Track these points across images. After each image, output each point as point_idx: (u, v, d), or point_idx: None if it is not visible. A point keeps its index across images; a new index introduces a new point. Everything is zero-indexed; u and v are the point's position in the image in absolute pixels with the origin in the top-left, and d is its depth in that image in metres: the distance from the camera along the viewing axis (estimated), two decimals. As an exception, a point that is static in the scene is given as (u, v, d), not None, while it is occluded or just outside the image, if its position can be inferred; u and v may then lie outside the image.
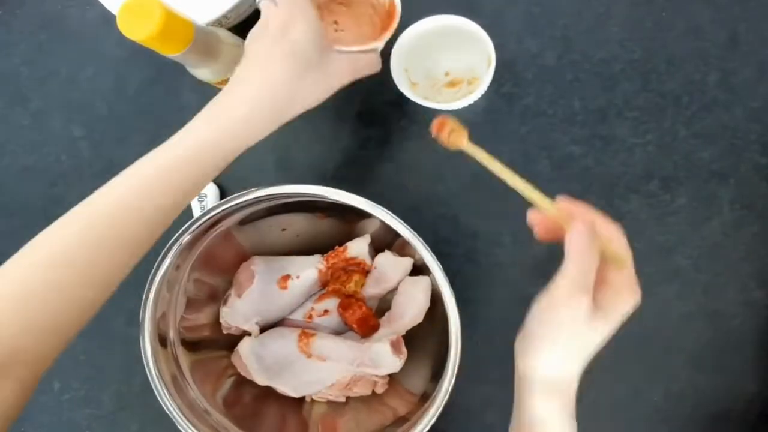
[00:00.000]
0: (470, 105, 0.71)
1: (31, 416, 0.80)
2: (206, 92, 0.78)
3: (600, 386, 0.69)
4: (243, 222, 0.69)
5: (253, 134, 0.55)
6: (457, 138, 0.58)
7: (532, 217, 0.53)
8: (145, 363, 0.63)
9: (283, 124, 0.56)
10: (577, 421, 0.68)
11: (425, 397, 0.66)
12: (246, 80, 0.55)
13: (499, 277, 0.71)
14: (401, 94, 0.69)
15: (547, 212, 0.52)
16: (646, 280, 0.68)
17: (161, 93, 0.80)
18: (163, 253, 0.63)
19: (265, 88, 0.54)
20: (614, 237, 0.51)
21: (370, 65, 0.62)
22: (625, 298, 0.50)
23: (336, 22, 0.73)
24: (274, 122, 0.56)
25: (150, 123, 0.80)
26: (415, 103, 0.70)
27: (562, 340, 0.49)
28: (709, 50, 0.68)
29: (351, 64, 0.59)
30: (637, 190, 0.69)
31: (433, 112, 0.72)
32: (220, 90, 0.71)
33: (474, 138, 0.72)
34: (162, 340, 0.66)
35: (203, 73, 0.66)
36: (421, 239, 0.61)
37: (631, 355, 0.68)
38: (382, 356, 0.67)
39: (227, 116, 0.54)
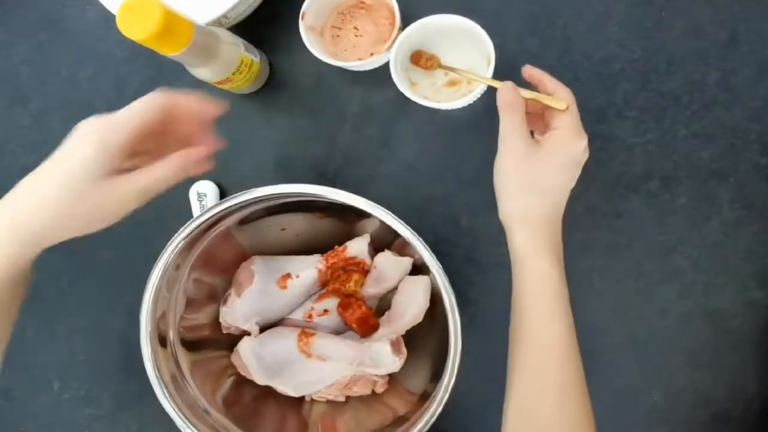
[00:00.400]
0: (470, 104, 0.71)
1: (31, 415, 0.80)
2: (206, 92, 0.78)
3: (600, 385, 0.68)
4: (243, 222, 0.69)
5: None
6: (432, 63, 0.71)
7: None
8: (144, 363, 0.63)
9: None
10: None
11: (425, 397, 0.66)
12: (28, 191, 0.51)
13: (498, 277, 0.70)
14: (401, 94, 0.69)
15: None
16: (646, 280, 0.69)
17: (161, 93, 0.80)
18: (162, 253, 0.63)
19: (20, 224, 0.50)
20: (557, 88, 0.58)
21: (167, 180, 0.53)
22: (566, 137, 0.56)
23: (356, 28, 0.74)
24: (23, 251, 0.51)
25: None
26: (415, 103, 0.70)
27: (512, 181, 0.57)
28: (709, 50, 0.68)
29: (139, 189, 0.52)
30: (637, 190, 0.68)
31: (434, 111, 0.73)
32: (219, 90, 0.71)
33: (474, 138, 0.73)
34: (162, 340, 0.66)
35: (203, 72, 0.66)
36: (420, 239, 0.61)
37: (631, 354, 0.68)
38: (382, 356, 0.67)
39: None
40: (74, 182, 0.49)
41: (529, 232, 0.56)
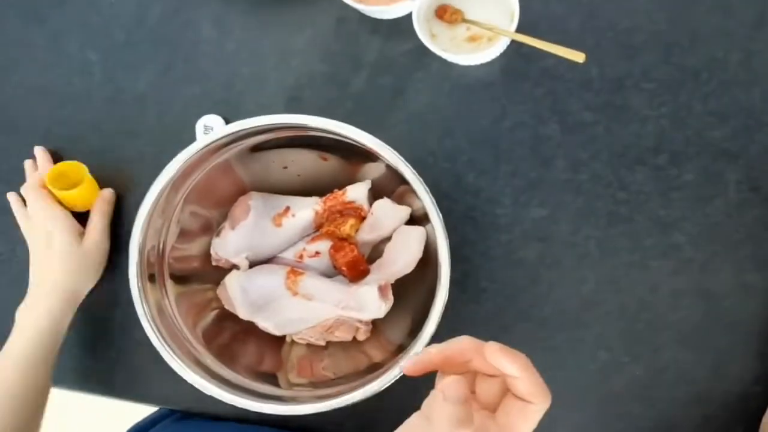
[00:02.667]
0: (488, 63, 0.70)
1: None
2: (225, 28, 0.78)
3: (584, 355, 0.68)
4: (246, 153, 0.68)
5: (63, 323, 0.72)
6: (456, 16, 0.70)
7: None
8: (131, 289, 0.64)
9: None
10: (558, 387, 0.68)
11: (401, 349, 0.65)
12: (42, 286, 0.73)
13: (494, 237, 0.70)
14: (420, 46, 0.68)
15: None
16: (643, 253, 0.68)
17: (180, 25, 0.80)
18: (160, 174, 0.63)
19: (58, 290, 0.72)
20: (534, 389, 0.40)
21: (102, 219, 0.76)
22: None
23: None
24: (71, 307, 0.73)
25: (165, 54, 0.80)
26: (432, 56, 0.69)
27: None
28: (736, 29, 0.68)
29: (93, 236, 0.75)
30: (645, 162, 0.68)
31: (450, 66, 0.72)
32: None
33: (488, 96, 0.73)
34: (150, 273, 0.66)
35: None
36: (423, 183, 0.60)
37: (619, 327, 0.68)
38: (368, 300, 0.66)
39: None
40: (67, 251, 0.73)
41: None
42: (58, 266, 0.72)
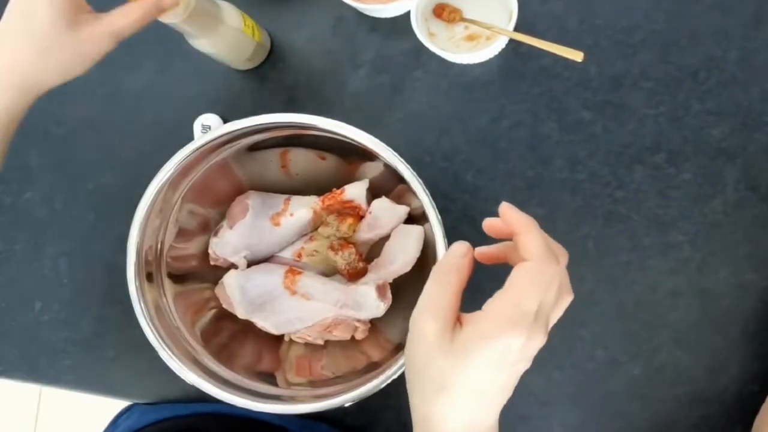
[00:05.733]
0: (485, 62, 0.70)
1: (6, 333, 0.79)
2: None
3: (581, 354, 0.68)
4: (243, 152, 0.68)
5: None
6: (455, 15, 0.70)
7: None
8: (128, 288, 0.63)
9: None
10: (555, 386, 0.68)
11: (399, 348, 0.65)
12: None
13: (493, 238, 0.70)
14: (418, 45, 0.68)
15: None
16: (641, 253, 0.68)
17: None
18: (156, 174, 0.63)
19: (10, 72, 0.56)
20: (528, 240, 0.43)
21: (143, 20, 0.58)
22: (493, 326, 0.41)
23: None
24: (19, 101, 0.57)
25: (163, 53, 0.79)
26: (430, 55, 0.69)
27: (418, 378, 0.43)
28: (733, 27, 0.68)
29: (114, 30, 0.57)
30: (643, 162, 0.68)
31: (448, 65, 0.72)
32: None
33: (486, 95, 0.73)
34: (148, 272, 0.66)
35: (201, 44, 0.68)
36: (421, 182, 0.60)
37: (617, 327, 0.68)
38: (367, 299, 0.66)
39: None
40: (51, 26, 0.54)
41: None
42: (30, 35, 0.55)
